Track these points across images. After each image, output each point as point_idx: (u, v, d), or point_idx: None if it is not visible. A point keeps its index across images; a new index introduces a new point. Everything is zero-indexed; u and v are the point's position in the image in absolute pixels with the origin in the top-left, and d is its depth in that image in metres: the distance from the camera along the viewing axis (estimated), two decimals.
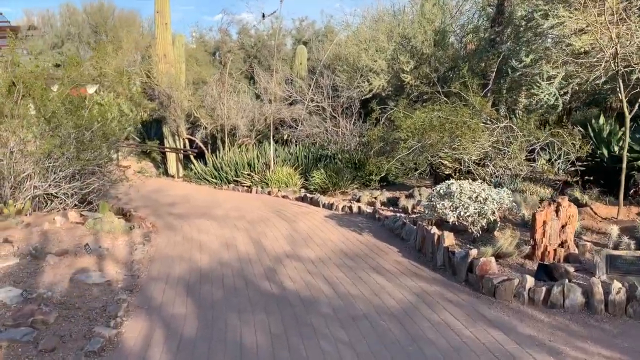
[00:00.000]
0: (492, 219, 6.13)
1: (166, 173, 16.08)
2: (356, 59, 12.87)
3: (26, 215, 7.18)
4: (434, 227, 6.31)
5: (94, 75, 15.27)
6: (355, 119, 13.74)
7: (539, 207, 5.76)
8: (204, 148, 14.90)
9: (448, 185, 6.37)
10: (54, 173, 7.62)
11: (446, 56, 12.36)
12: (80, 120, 7.90)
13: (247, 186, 12.71)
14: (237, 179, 12.91)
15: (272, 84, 12.84)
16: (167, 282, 5.39)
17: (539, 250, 5.54)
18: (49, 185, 7.66)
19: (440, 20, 12.25)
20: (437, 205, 6.16)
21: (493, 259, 5.03)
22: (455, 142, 9.08)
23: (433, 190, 6.68)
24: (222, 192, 12.30)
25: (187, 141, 15.37)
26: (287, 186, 12.37)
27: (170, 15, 15.53)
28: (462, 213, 5.94)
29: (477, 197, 6.02)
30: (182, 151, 15.01)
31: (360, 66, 12.83)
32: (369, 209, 8.77)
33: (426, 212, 6.55)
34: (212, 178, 13.32)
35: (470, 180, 6.58)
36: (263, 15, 11.51)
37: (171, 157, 15.64)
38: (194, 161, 15.07)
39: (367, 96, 13.13)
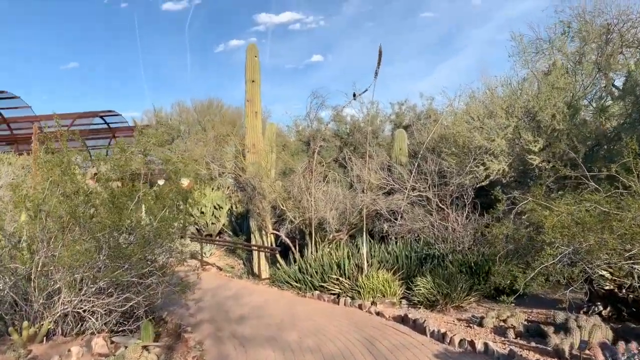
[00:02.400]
0: None
1: (252, 272, 14.46)
2: (467, 140, 10.62)
3: (41, 342, 5.62)
4: None
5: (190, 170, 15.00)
6: (468, 211, 11.18)
7: None
8: (290, 245, 13.13)
9: None
10: (86, 285, 6.13)
11: (588, 132, 9.65)
12: (121, 217, 6.46)
13: (334, 294, 10.45)
14: (323, 284, 10.75)
15: (366, 170, 10.94)
16: None
17: None
18: (80, 300, 6.14)
19: (578, 88, 9.74)
20: None
21: None
22: (625, 246, 6.20)
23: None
24: (304, 303, 10.18)
25: (272, 237, 13.77)
26: (383, 296, 9.90)
27: (261, 104, 14.83)
28: None
29: None
30: (266, 249, 13.37)
31: (472, 147, 10.52)
32: (500, 349, 5.99)
33: None
34: (296, 282, 11.31)
35: None
36: (354, 95, 9.90)
37: (256, 255, 14.05)
38: (280, 260, 13.30)
39: (483, 183, 10.63)
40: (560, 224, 6.36)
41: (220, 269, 15.03)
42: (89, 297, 6.20)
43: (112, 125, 36.66)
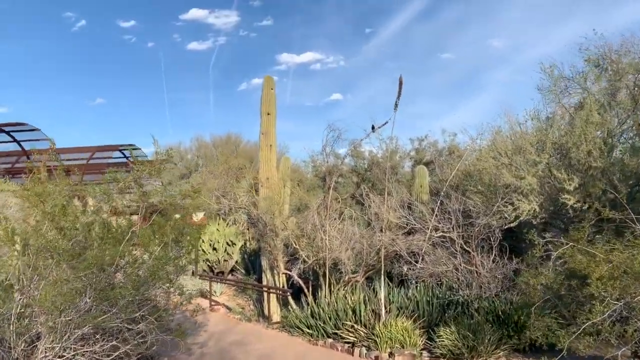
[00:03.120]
0: None
1: (262, 314, 13.62)
2: (494, 177, 9.87)
3: None
4: None
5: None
6: (495, 255, 10.31)
7: None
8: (303, 286, 12.33)
9: None
10: (69, 331, 5.47)
11: (629, 170, 8.82)
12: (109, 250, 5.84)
13: (349, 343, 9.56)
14: (337, 331, 9.88)
15: (384, 208, 10.23)
16: None
17: None
18: (63, 348, 5.48)
19: (615, 124, 9.00)
20: None
21: None
22: None
23: None
24: (315, 353, 9.31)
25: (284, 277, 12.99)
26: (402, 347, 8.99)
27: (276, 137, 14.36)
28: None
29: None
30: (277, 291, 12.57)
31: (500, 185, 9.76)
32: None
33: None
34: (307, 328, 10.45)
35: None
36: (373, 128, 9.35)
37: (267, 296, 13.25)
38: (292, 302, 12.47)
39: (512, 224, 9.79)
40: (609, 274, 5.51)
41: (230, 310, 14.24)
42: (73, 344, 5.54)
43: (131, 159, 36.84)
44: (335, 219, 11.95)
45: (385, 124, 9.93)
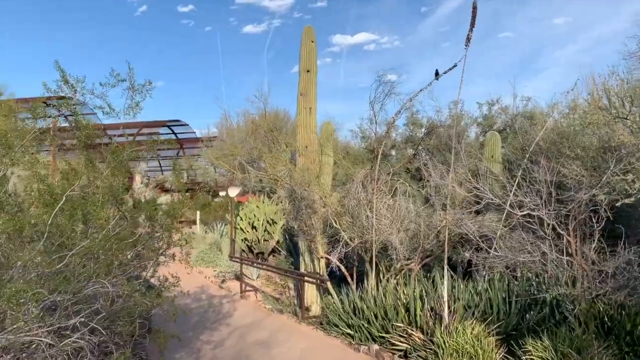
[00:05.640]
0: None
1: (299, 303, 11.70)
2: (606, 135, 7.19)
3: None
4: None
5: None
6: (598, 240, 7.66)
7: None
8: (345, 272, 10.23)
9: None
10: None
11: None
12: None
13: (400, 351, 7.38)
14: (385, 335, 7.70)
15: (449, 178, 7.83)
16: None
17: None
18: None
19: None
20: None
21: None
22: None
23: None
24: None
25: (324, 261, 10.93)
26: None
27: (317, 99, 12.20)
28: None
29: None
30: (316, 279, 10.56)
31: (613, 145, 7.08)
32: None
33: None
34: (347, 327, 8.36)
35: None
36: (436, 74, 6.96)
37: (303, 282, 11.28)
38: (332, 291, 10.43)
39: (629, 200, 7.12)
40: None
41: (262, 297, 12.45)
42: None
43: (179, 136, 36.01)
44: (385, 193, 9.69)
45: (454, 67, 7.49)
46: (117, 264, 4.01)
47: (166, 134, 35.08)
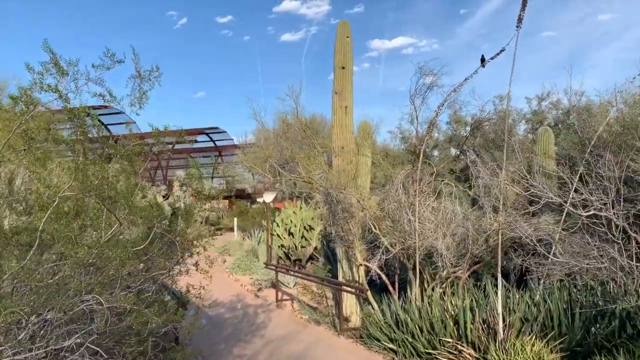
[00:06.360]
0: None
1: (337, 313, 11.06)
2: None
3: None
4: None
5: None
6: None
7: None
8: (386, 281, 9.54)
9: None
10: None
11: None
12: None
13: None
14: (432, 351, 6.97)
15: (502, 176, 7.04)
16: None
17: None
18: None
19: None
20: None
21: None
22: None
23: None
24: None
25: (363, 269, 10.26)
26: None
27: (353, 97, 11.59)
28: None
29: None
30: (355, 289, 9.91)
31: None
32: None
33: None
34: (389, 341, 7.66)
35: None
36: (482, 60, 6.21)
37: (341, 292, 10.64)
38: (372, 301, 9.76)
39: None
40: None
41: (297, 306, 11.89)
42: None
43: (217, 143, 36.18)
44: (428, 194, 8.95)
45: (501, 51, 6.72)
46: (125, 274, 3.56)
47: (204, 141, 35.31)
